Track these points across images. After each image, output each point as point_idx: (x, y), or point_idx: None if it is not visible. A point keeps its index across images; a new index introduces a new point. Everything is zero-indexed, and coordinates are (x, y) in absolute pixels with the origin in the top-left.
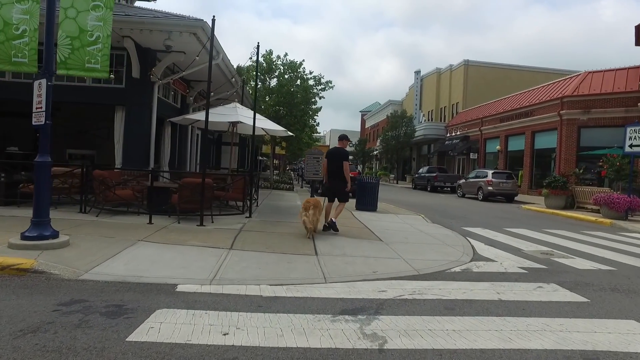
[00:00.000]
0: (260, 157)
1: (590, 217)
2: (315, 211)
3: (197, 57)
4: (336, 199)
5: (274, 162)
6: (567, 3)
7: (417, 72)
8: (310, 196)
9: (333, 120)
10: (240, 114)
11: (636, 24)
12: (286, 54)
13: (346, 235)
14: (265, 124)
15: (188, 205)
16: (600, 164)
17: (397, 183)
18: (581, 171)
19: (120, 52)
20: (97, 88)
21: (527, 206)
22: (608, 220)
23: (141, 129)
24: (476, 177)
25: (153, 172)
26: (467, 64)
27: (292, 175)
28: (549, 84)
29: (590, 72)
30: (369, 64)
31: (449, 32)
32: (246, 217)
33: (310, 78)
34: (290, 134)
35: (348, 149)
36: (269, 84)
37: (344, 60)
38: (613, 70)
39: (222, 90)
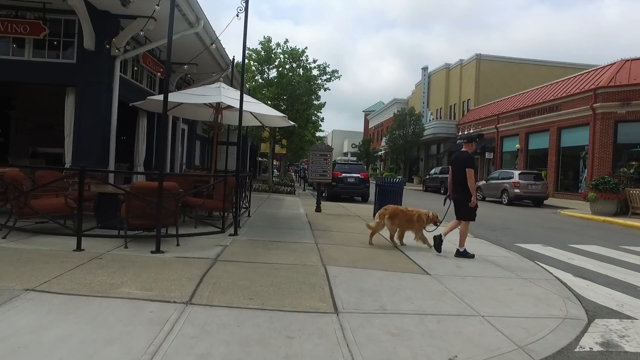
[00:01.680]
0: (260, 159)
1: None
2: (392, 221)
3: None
4: (456, 216)
5: (274, 162)
6: (570, 3)
7: (425, 69)
8: (317, 202)
9: (335, 121)
10: (225, 95)
11: None
12: (287, 41)
13: (374, 264)
14: (257, 108)
15: (140, 221)
16: None
17: (404, 185)
18: (632, 171)
19: (70, 16)
20: (39, 64)
21: (566, 212)
22: None
23: (97, 116)
24: (500, 178)
25: (83, 172)
26: (479, 59)
27: (294, 177)
28: (578, 75)
29: (627, 60)
30: (370, 64)
31: (450, 32)
32: (230, 235)
33: (314, 67)
34: (291, 123)
35: (351, 149)
36: (268, 75)
37: (346, 61)
38: None
39: (208, 71)
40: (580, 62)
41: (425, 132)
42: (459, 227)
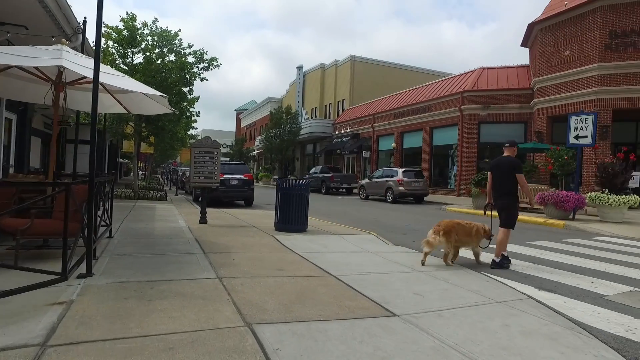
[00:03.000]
0: (122, 160)
1: (537, 218)
2: (446, 239)
3: None
4: (500, 224)
5: (139, 164)
6: (418, 20)
7: (300, 68)
8: (201, 211)
9: (204, 121)
10: (68, 59)
11: (529, 22)
12: (155, 21)
13: (316, 306)
14: (121, 83)
15: None
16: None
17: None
18: None
19: None
20: None
21: (451, 207)
22: (560, 222)
23: None
24: (384, 176)
25: None
26: (353, 60)
27: (162, 179)
28: (448, 79)
29: (485, 68)
30: (240, 64)
31: (319, 37)
32: (80, 278)
33: (190, 53)
34: (171, 109)
35: (222, 149)
36: (132, 60)
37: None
38: (504, 67)
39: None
40: (435, 70)
41: (302, 131)
42: (498, 235)
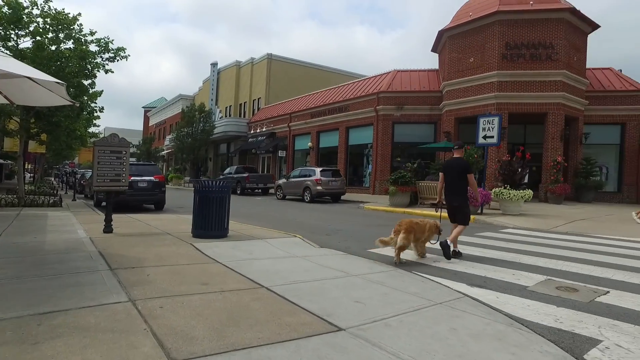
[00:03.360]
0: (3, 161)
1: None
2: (405, 236)
3: None
4: (457, 221)
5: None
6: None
7: (214, 65)
8: (105, 218)
9: (107, 118)
10: None
11: (439, 30)
12: (48, 0)
13: (254, 327)
14: (3, 64)
15: None
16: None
17: (194, 186)
18: (415, 165)
19: None
20: None
21: (369, 206)
22: (471, 217)
23: None
24: (301, 175)
25: None
26: (270, 58)
27: (56, 183)
28: (364, 80)
29: (399, 71)
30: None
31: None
32: None
33: (93, 41)
34: (70, 100)
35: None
36: (17, 44)
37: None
38: (417, 71)
39: None
40: (350, 71)
41: (216, 130)
42: (457, 230)
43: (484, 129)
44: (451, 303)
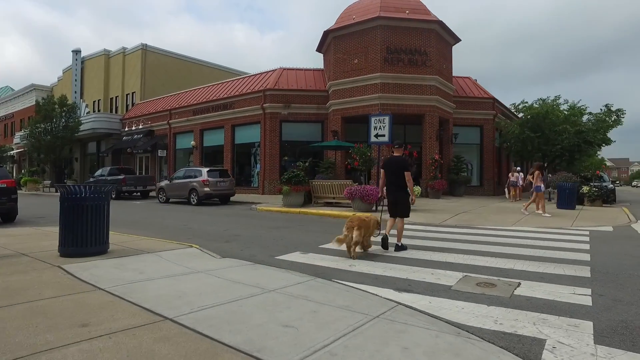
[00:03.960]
0: None
1: (347, 212)
2: (359, 232)
3: None
4: (398, 214)
5: None
6: (211, 19)
7: (77, 52)
8: None
9: None
10: None
11: (325, 30)
12: None
13: None
14: None
15: None
16: (353, 155)
17: (56, 191)
18: (307, 164)
19: None
20: None
21: (262, 207)
22: None
23: None
24: (186, 177)
25: None
26: (145, 49)
27: None
28: (249, 76)
29: (285, 69)
30: None
31: (99, 21)
32: None
33: None
34: None
35: None
36: None
37: None
38: (303, 69)
39: None
40: (233, 68)
41: (83, 127)
42: (397, 224)
43: (375, 128)
44: (389, 315)
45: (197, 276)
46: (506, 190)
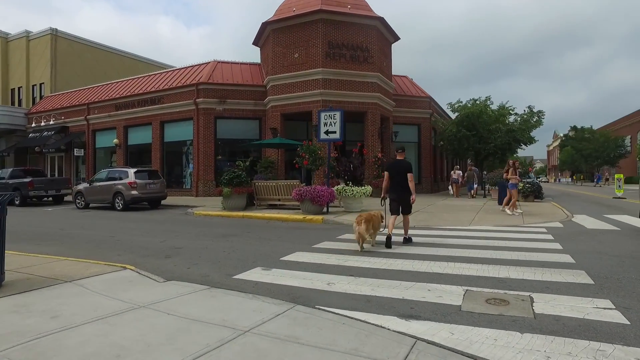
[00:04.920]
0: None
1: (295, 215)
2: (367, 225)
3: None
4: (402, 212)
5: None
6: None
7: None
8: None
9: None
10: None
11: (263, 22)
12: None
13: None
14: None
15: None
16: (301, 154)
17: None
18: (247, 163)
19: None
20: None
21: (199, 211)
22: (318, 217)
23: None
24: (109, 179)
25: None
26: (55, 34)
27: None
28: (180, 69)
29: (219, 62)
30: None
31: None
32: None
33: None
34: None
35: None
36: None
37: None
38: (239, 63)
39: None
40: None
41: None
42: (403, 220)
43: (325, 124)
44: (414, 358)
45: (138, 314)
46: (450, 187)
